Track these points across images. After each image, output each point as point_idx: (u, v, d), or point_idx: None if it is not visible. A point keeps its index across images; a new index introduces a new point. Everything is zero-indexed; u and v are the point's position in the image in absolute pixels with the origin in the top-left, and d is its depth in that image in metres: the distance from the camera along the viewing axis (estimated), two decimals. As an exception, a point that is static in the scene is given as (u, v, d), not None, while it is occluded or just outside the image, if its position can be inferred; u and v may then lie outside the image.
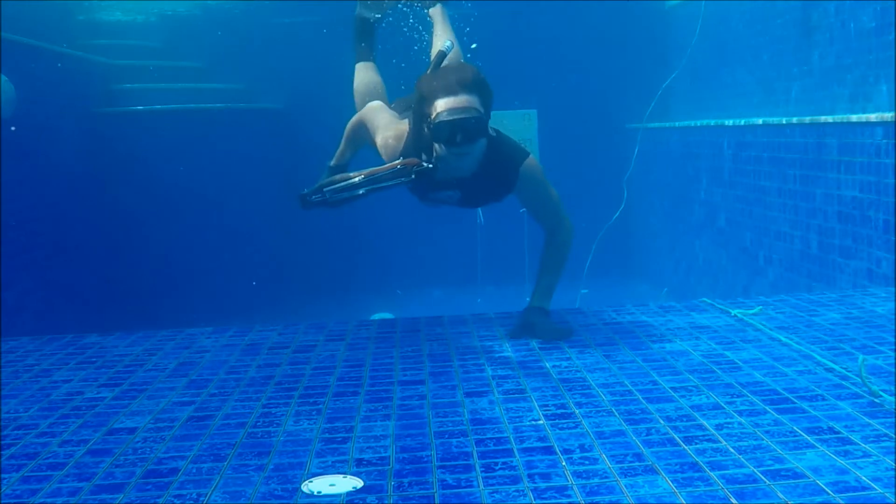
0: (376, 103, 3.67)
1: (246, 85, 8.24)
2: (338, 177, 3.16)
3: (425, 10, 4.22)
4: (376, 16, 4.26)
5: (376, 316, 6.76)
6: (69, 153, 6.29)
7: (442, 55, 3.44)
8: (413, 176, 3.09)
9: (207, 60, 8.29)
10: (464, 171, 3.23)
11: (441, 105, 3.09)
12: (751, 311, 3.55)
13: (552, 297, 3.46)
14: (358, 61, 4.26)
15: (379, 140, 3.46)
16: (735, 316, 3.51)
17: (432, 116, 3.10)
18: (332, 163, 3.81)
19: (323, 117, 8.32)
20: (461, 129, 3.06)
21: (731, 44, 6.84)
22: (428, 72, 3.35)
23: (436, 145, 3.14)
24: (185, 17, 8.58)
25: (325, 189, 3.12)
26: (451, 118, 3.07)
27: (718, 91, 7.13)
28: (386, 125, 3.48)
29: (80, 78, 6.73)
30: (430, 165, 3.12)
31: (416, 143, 3.25)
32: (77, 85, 6.66)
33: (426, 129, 3.15)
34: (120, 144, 6.82)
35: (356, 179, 3.11)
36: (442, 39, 3.90)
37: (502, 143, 3.35)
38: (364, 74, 4.17)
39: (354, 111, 3.98)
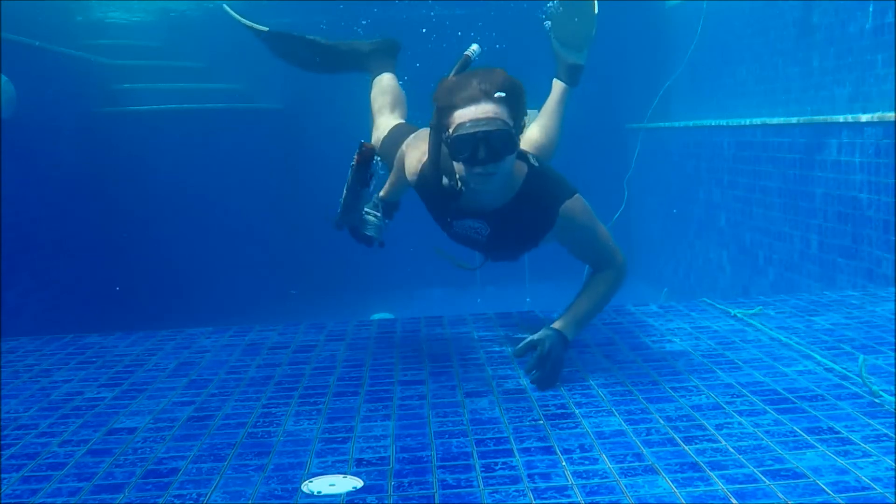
0: (424, 132, 3.05)
1: (246, 85, 8.23)
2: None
3: (554, 76, 3.69)
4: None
5: (376, 316, 6.75)
6: (69, 153, 6.29)
7: (467, 60, 3.10)
8: (358, 153, 2.71)
9: (207, 60, 8.28)
10: (490, 197, 2.78)
11: (461, 116, 2.62)
12: (751, 311, 3.55)
13: (582, 331, 3.00)
14: (377, 74, 3.80)
15: (405, 162, 3.02)
16: (735, 316, 3.51)
17: (450, 130, 2.63)
18: (381, 194, 3.32)
19: (323, 117, 8.34)
20: (484, 144, 2.58)
21: (731, 44, 6.85)
22: (449, 77, 2.90)
23: (456, 164, 2.68)
24: (186, 17, 8.58)
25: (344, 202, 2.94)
26: (471, 131, 2.58)
27: (718, 91, 7.14)
28: (415, 146, 2.99)
29: (80, 78, 6.73)
30: (372, 145, 2.80)
31: (436, 162, 2.80)
32: (77, 85, 6.66)
33: (445, 146, 2.69)
34: (120, 144, 6.82)
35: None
36: (548, 117, 3.54)
37: (543, 175, 2.86)
38: (383, 81, 3.76)
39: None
